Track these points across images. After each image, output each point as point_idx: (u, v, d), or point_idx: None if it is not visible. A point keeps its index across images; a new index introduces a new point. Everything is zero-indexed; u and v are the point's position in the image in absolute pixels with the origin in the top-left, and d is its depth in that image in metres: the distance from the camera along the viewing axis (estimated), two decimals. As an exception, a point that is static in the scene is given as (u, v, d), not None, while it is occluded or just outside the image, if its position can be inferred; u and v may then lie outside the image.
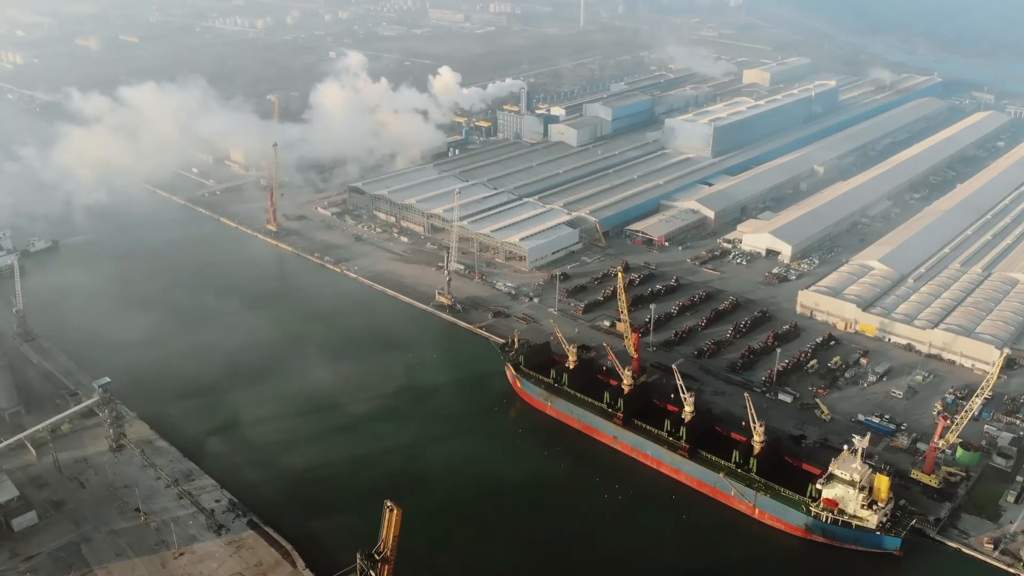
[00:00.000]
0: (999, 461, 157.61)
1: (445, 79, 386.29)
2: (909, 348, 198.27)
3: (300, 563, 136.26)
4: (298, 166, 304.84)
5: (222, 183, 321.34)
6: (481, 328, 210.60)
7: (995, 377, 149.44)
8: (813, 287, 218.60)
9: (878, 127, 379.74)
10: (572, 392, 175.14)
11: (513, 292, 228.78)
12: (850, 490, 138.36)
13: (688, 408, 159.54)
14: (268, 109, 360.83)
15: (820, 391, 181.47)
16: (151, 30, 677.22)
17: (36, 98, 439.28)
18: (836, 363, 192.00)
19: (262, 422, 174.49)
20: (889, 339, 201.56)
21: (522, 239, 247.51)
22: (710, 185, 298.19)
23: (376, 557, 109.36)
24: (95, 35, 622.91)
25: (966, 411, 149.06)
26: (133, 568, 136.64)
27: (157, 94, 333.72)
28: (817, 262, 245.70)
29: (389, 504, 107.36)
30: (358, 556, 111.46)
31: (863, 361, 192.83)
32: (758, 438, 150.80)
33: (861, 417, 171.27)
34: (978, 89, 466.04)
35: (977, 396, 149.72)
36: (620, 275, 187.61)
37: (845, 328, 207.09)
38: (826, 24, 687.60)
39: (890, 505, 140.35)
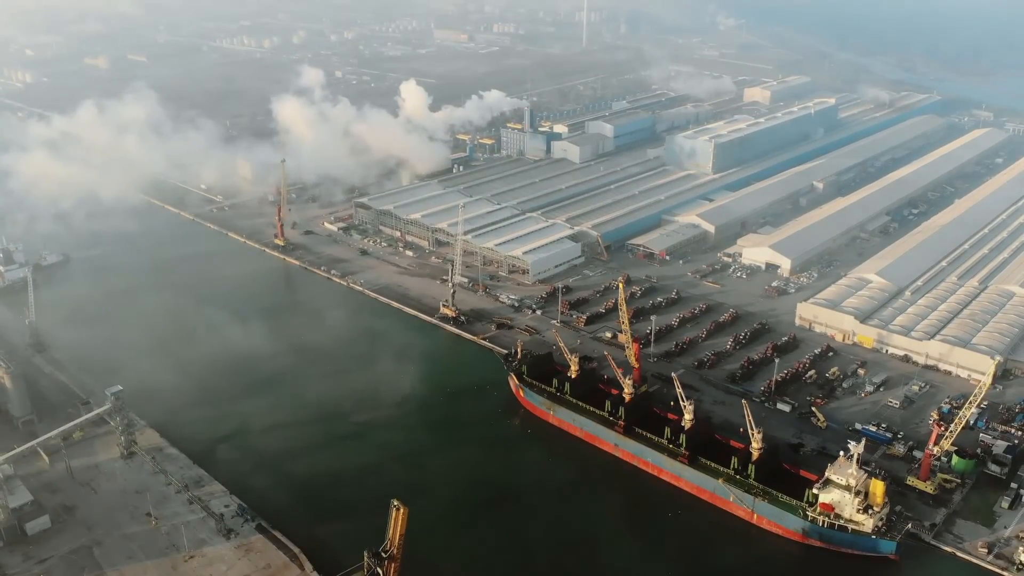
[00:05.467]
0: (994, 468, 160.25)
1: (414, 101, 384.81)
2: (906, 359, 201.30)
3: (308, 566, 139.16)
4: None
5: (230, 198, 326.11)
6: (485, 339, 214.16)
7: (988, 385, 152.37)
8: (812, 299, 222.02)
9: (877, 144, 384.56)
10: (574, 401, 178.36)
11: (516, 304, 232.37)
12: (846, 494, 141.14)
13: (688, 416, 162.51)
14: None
15: (818, 400, 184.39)
16: (159, 50, 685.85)
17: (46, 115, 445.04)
18: (834, 373, 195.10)
19: (270, 430, 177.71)
20: (886, 350, 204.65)
21: (525, 252, 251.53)
22: (711, 201, 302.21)
23: (383, 555, 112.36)
24: (103, 54, 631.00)
25: (960, 418, 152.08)
26: (144, 571, 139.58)
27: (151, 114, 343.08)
28: (816, 275, 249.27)
29: (396, 503, 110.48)
30: (366, 554, 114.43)
31: (861, 372, 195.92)
32: (756, 445, 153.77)
33: (858, 426, 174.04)
34: (977, 107, 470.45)
35: (970, 404, 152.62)
36: (621, 287, 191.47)
37: (843, 340, 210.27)
38: (827, 44, 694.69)
39: (885, 510, 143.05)
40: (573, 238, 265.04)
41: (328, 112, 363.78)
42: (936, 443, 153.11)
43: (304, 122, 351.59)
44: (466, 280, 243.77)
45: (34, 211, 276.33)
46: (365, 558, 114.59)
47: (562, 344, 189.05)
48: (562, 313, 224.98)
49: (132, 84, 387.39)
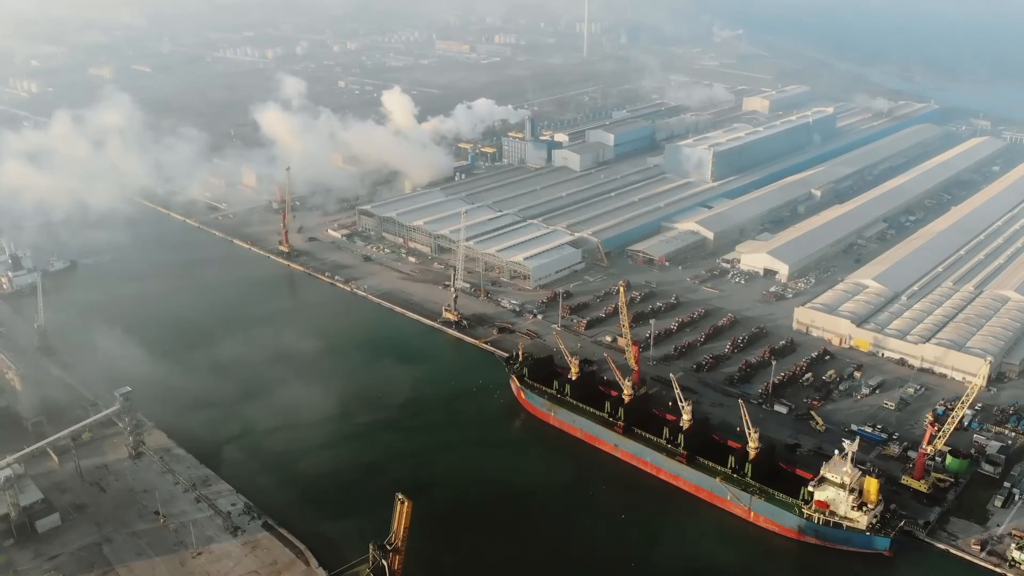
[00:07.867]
0: (987, 468, 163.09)
1: (399, 111, 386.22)
2: (902, 362, 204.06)
3: (313, 561, 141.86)
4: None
5: (235, 206, 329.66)
6: (486, 343, 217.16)
7: (980, 385, 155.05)
8: (809, 304, 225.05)
9: (875, 152, 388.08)
10: (574, 402, 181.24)
11: (518, 309, 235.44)
12: (841, 492, 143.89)
13: (686, 416, 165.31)
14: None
15: (815, 403, 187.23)
16: (163, 60, 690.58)
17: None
18: (831, 376, 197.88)
19: (275, 431, 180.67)
20: (882, 354, 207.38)
21: (526, 258, 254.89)
22: (710, 208, 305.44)
23: (388, 548, 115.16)
24: (108, 64, 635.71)
25: (953, 418, 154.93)
26: (153, 567, 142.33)
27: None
28: (814, 281, 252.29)
29: (400, 497, 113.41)
30: (371, 547, 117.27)
31: (857, 374, 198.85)
32: (753, 444, 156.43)
33: (854, 427, 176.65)
34: (974, 116, 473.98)
35: (963, 403, 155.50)
36: (622, 291, 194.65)
37: (840, 343, 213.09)
38: (825, 53, 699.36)
39: (880, 507, 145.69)
40: (574, 244, 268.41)
41: (321, 123, 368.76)
42: (929, 442, 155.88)
43: (295, 133, 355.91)
44: (468, 285, 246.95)
45: (37, 219, 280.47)
46: (370, 550, 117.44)
47: (563, 347, 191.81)
48: (563, 317, 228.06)
49: (137, 94, 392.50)
